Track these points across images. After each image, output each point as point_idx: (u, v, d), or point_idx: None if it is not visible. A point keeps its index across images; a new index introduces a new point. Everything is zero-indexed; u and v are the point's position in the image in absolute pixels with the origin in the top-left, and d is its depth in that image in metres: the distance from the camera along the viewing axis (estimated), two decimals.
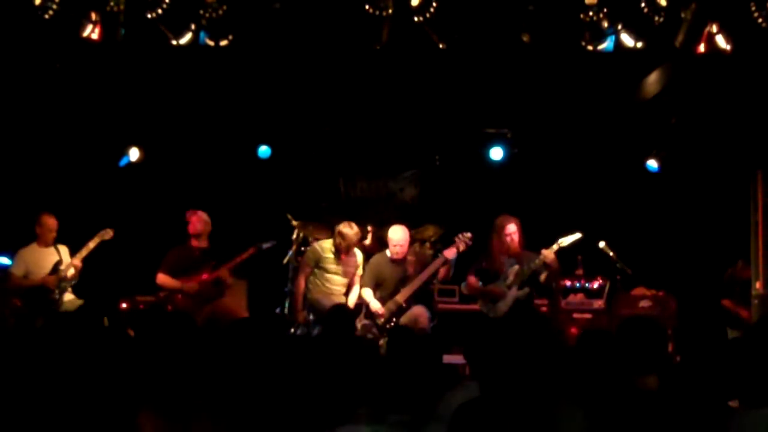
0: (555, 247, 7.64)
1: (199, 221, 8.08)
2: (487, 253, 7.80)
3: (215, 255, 8.08)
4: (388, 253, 7.97)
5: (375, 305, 7.80)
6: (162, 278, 7.98)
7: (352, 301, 8.02)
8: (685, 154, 9.07)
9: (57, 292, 7.83)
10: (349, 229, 7.87)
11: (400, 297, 7.79)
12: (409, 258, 7.92)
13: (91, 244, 8.01)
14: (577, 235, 7.74)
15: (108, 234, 8.07)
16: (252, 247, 8.12)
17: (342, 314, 5.86)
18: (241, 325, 4.03)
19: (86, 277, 8.06)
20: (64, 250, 8.06)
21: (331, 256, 7.97)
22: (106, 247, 8.09)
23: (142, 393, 3.36)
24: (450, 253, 7.77)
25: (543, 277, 7.66)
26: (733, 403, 3.42)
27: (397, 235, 7.87)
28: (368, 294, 7.89)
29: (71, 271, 7.91)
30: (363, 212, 9.52)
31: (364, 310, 7.86)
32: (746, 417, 3.20)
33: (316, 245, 8.14)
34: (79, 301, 7.89)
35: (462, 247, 7.84)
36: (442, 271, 7.88)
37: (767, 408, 3.17)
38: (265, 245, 8.20)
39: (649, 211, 9.53)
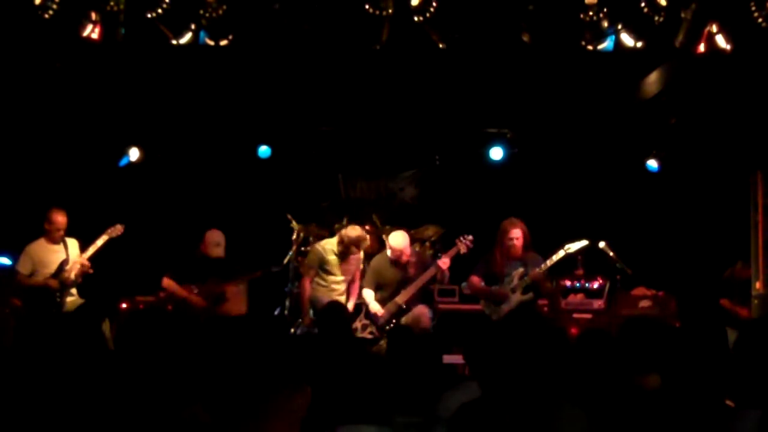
0: (561, 252, 7.65)
1: (211, 240, 7.96)
2: (490, 255, 7.80)
3: (224, 266, 8.01)
4: (389, 253, 7.96)
5: (375, 307, 7.80)
6: (167, 282, 7.91)
7: (353, 300, 8.01)
8: (684, 154, 9.08)
9: (59, 294, 7.70)
10: (356, 232, 7.85)
11: (400, 298, 7.77)
12: (411, 260, 7.89)
13: (99, 242, 7.86)
14: (584, 242, 7.76)
15: (117, 230, 7.92)
16: (260, 270, 8.20)
17: (336, 312, 5.84)
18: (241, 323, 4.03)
19: (86, 277, 8.02)
20: (73, 245, 7.85)
21: (334, 257, 7.94)
22: (106, 247, 8.05)
23: (141, 393, 3.36)
24: (444, 263, 7.74)
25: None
26: (730, 403, 3.42)
27: (398, 242, 7.80)
28: (369, 295, 7.87)
29: (75, 272, 7.76)
30: (363, 212, 9.52)
31: (364, 311, 7.86)
32: (745, 417, 3.19)
33: (318, 246, 8.11)
34: (81, 302, 7.76)
35: (463, 249, 7.82)
36: (438, 275, 7.86)
37: (765, 408, 3.17)
38: (275, 269, 8.25)
39: (649, 211, 9.53)
